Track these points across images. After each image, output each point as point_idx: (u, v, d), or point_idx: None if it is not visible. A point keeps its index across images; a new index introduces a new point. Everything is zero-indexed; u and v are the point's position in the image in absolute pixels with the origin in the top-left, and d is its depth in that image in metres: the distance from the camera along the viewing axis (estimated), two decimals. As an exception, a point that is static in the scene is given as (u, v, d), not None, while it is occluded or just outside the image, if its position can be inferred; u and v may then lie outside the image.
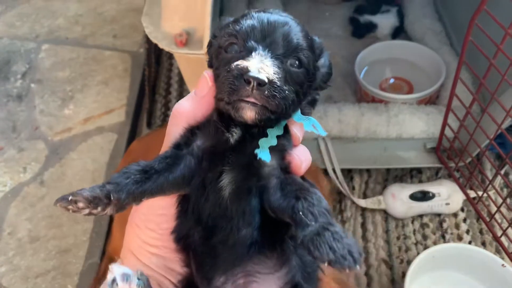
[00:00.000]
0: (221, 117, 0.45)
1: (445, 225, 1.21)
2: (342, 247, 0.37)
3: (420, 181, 1.27)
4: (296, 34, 0.44)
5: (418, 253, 1.14)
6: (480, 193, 1.15)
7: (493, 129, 1.05)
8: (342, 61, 1.47)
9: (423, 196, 1.19)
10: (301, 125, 0.47)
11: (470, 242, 1.17)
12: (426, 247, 1.16)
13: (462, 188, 1.15)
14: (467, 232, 1.20)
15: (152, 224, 0.49)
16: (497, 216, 1.09)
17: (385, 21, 1.52)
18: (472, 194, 1.18)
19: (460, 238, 1.19)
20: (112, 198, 0.41)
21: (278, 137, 0.45)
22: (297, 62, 0.44)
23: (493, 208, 1.16)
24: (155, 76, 1.45)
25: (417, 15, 1.53)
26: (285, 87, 0.42)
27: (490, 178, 1.15)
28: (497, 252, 1.15)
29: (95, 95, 1.41)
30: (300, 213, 0.40)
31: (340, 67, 1.45)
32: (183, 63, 0.96)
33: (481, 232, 1.19)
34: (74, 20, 1.63)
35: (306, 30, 0.46)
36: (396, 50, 1.45)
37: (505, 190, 1.22)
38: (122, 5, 1.68)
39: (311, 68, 0.46)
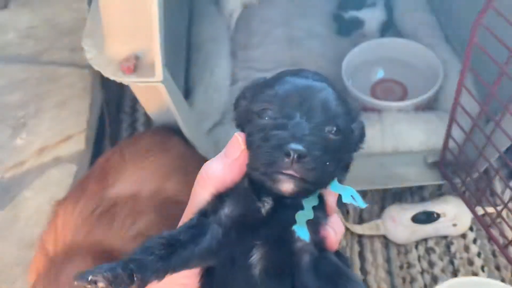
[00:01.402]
0: (252, 185, 0.43)
1: (453, 248, 1.07)
2: None
3: (422, 199, 1.13)
4: (334, 100, 0.42)
5: (425, 284, 1.00)
6: (490, 209, 1.01)
7: (504, 142, 0.90)
8: (327, 65, 1.32)
9: (427, 218, 1.05)
10: (335, 194, 0.44)
11: (482, 267, 1.04)
12: (433, 276, 1.03)
13: (472, 209, 1.01)
14: (478, 255, 1.06)
15: None
16: (513, 239, 0.96)
17: (372, 16, 1.37)
18: (481, 211, 1.04)
19: (471, 263, 1.05)
20: (135, 278, 0.38)
21: (313, 208, 0.42)
22: (335, 128, 0.41)
23: (507, 229, 1.02)
24: (118, 92, 1.29)
25: (407, 7, 1.38)
26: (325, 158, 0.40)
27: (500, 193, 1.01)
28: (514, 277, 1.02)
29: (50, 120, 1.24)
30: None
31: (325, 72, 1.28)
32: (136, 90, 0.81)
33: (493, 254, 1.06)
34: (26, 33, 1.46)
35: (340, 92, 0.44)
36: (386, 49, 1.30)
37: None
38: (80, 14, 1.50)
39: (348, 134, 0.43)
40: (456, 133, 0.97)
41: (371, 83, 1.27)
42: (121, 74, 0.72)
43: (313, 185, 0.41)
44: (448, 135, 0.97)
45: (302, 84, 0.42)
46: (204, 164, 0.45)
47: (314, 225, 0.42)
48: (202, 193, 0.44)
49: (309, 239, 0.41)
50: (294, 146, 0.38)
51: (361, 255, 1.07)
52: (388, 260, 1.06)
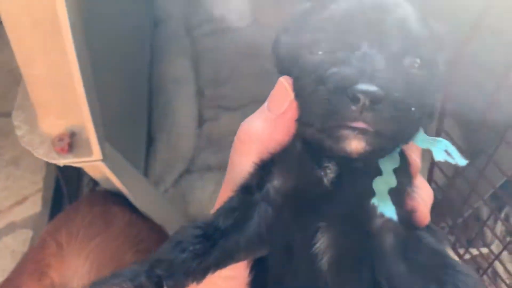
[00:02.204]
0: (308, 148, 0.32)
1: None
2: None
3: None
4: (414, 20, 0.31)
5: None
6: (475, 251, 0.94)
7: (488, 188, 0.83)
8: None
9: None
10: (419, 150, 0.32)
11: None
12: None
13: (461, 256, 0.94)
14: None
15: None
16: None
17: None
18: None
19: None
20: (165, 286, 0.29)
21: (395, 171, 0.31)
22: (418, 60, 0.30)
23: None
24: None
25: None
26: (407, 101, 0.28)
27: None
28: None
29: (3, 180, 1.15)
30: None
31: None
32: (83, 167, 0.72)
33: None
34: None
35: (421, 14, 0.31)
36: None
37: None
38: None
39: (434, 68, 0.32)
40: (439, 175, 0.90)
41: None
42: (56, 155, 0.64)
43: (392, 140, 0.30)
44: (430, 178, 0.90)
45: (371, 3, 0.30)
46: (242, 124, 0.35)
47: (398, 195, 0.31)
48: (242, 163, 0.34)
49: (395, 217, 0.30)
50: (364, 86, 0.27)
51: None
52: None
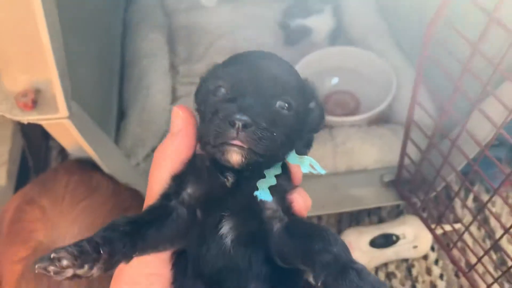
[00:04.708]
0: (214, 163, 0.42)
1: (414, 271, 1.00)
2: (370, 284, 0.35)
3: (380, 219, 1.06)
4: (285, 77, 0.43)
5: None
6: (448, 227, 0.95)
7: (461, 161, 0.84)
8: (274, 77, 1.23)
9: (386, 241, 0.98)
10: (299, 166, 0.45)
11: (446, 290, 0.98)
12: (395, 305, 0.95)
13: (432, 230, 0.94)
14: (441, 277, 0.99)
15: (140, 287, 0.43)
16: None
17: (319, 23, 1.29)
18: (441, 230, 0.97)
19: (434, 287, 0.98)
20: (102, 252, 0.36)
21: (277, 177, 0.43)
22: (286, 104, 0.42)
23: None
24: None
25: (356, 12, 1.31)
26: (272, 129, 0.40)
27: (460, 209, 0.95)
28: (479, 299, 0.95)
29: (-34, 153, 1.10)
30: (318, 253, 0.38)
31: (272, 86, 1.20)
32: (46, 125, 0.69)
33: (457, 274, 1.00)
34: None
35: (296, 72, 0.45)
36: (337, 58, 1.22)
37: (482, 230, 1.02)
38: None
39: (302, 111, 0.44)
40: (412, 149, 0.90)
41: (323, 96, 1.19)
42: (19, 112, 0.61)
43: (263, 157, 0.40)
44: (404, 152, 0.90)
45: (254, 61, 0.43)
46: (157, 148, 0.45)
47: (280, 192, 0.42)
48: (159, 176, 0.43)
49: (272, 200, 0.41)
50: (238, 116, 0.38)
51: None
52: None
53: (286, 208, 0.43)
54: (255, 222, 0.42)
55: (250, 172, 0.42)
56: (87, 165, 0.79)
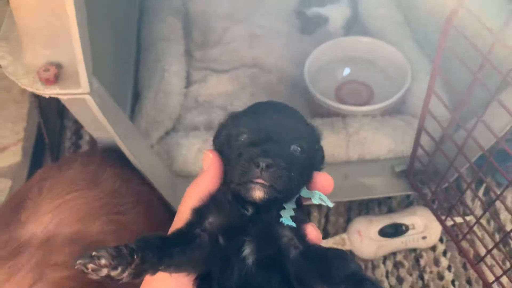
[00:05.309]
0: (235, 197, 0.48)
1: (422, 262, 1.01)
2: None
3: (390, 209, 1.06)
4: (299, 124, 0.50)
5: (394, 303, 0.94)
6: (459, 219, 0.95)
7: (475, 152, 0.84)
8: (289, 65, 1.23)
9: (395, 231, 0.99)
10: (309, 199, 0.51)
11: (453, 282, 0.98)
12: (402, 294, 0.96)
13: (442, 221, 0.95)
14: (449, 268, 1.00)
15: None
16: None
17: (336, 12, 1.28)
18: (451, 221, 0.97)
19: (441, 277, 0.99)
20: (135, 257, 0.41)
21: (293, 210, 0.48)
22: (299, 148, 0.48)
23: (477, 241, 0.97)
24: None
25: (373, 2, 1.30)
26: (289, 169, 0.46)
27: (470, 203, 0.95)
28: (486, 291, 0.96)
29: (-17, 129, 1.12)
30: (337, 269, 0.42)
31: (287, 74, 1.21)
32: (67, 103, 0.70)
33: (464, 267, 1.00)
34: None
35: (304, 119, 0.52)
36: (351, 48, 1.22)
37: (492, 223, 1.02)
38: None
39: (311, 152, 0.50)
40: (426, 140, 0.90)
41: (336, 85, 1.19)
42: (40, 86, 0.61)
43: (282, 192, 0.46)
44: (417, 143, 0.90)
45: (270, 111, 0.50)
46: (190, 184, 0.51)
47: (296, 222, 0.47)
48: (188, 206, 0.49)
49: (295, 225, 0.46)
50: (262, 159, 0.44)
51: None
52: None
53: (301, 236, 0.47)
54: (274, 248, 0.47)
55: (268, 206, 0.47)
56: (106, 160, 0.79)
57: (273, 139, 0.47)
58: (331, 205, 0.50)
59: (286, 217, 0.47)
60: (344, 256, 0.44)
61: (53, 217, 0.67)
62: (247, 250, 0.46)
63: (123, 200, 0.74)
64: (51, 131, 1.11)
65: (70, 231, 0.66)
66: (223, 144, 0.51)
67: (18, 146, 1.08)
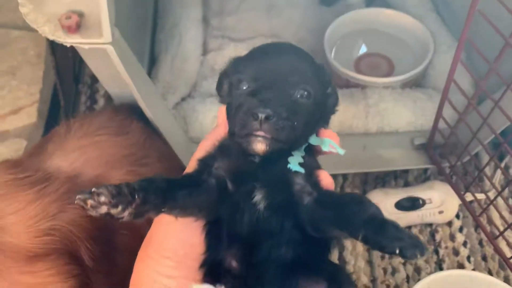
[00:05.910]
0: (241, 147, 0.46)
1: (437, 236, 1.00)
2: (408, 236, 0.37)
3: (406, 183, 1.05)
4: (303, 66, 0.46)
5: (407, 275, 0.93)
6: (479, 195, 0.94)
7: (501, 123, 0.82)
8: (308, 36, 1.21)
9: (412, 204, 0.97)
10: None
11: (468, 258, 0.97)
12: (416, 267, 0.95)
13: (461, 195, 0.93)
14: (464, 244, 0.99)
15: (168, 252, 0.48)
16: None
17: (357, -17, 1.26)
18: (470, 197, 0.96)
19: (456, 253, 0.98)
20: (136, 197, 0.39)
21: (302, 157, 0.46)
22: (305, 93, 0.45)
23: (495, 217, 0.95)
24: (76, 59, 1.16)
25: (395, -25, 1.27)
26: (293, 118, 0.43)
27: (493, 180, 0.93)
28: (501, 268, 0.95)
29: (-1, 90, 1.11)
30: (355, 214, 0.40)
31: (307, 44, 1.18)
32: (85, 55, 0.68)
33: (480, 243, 0.99)
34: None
35: (313, 60, 0.48)
36: (372, 20, 1.19)
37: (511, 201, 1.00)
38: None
39: (320, 97, 0.47)
40: (448, 113, 0.88)
41: (355, 57, 1.16)
42: (62, 34, 0.60)
43: (286, 143, 0.44)
44: (440, 115, 0.88)
45: (272, 54, 0.47)
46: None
47: (307, 169, 0.46)
48: (194, 164, 0.49)
49: (303, 171, 0.45)
50: (261, 109, 0.42)
51: (339, 243, 0.98)
52: (368, 249, 0.98)
53: (314, 183, 0.46)
54: (286, 194, 0.46)
55: (274, 156, 0.45)
56: (132, 112, 0.79)
57: (275, 85, 0.44)
58: (342, 152, 0.48)
59: (294, 163, 0.45)
60: (361, 200, 0.42)
61: (80, 155, 0.67)
62: (258, 196, 0.45)
63: (148, 153, 0.74)
64: (67, 93, 1.10)
65: (94, 173, 0.66)
66: (225, 94, 0.50)
67: (33, 107, 1.07)
